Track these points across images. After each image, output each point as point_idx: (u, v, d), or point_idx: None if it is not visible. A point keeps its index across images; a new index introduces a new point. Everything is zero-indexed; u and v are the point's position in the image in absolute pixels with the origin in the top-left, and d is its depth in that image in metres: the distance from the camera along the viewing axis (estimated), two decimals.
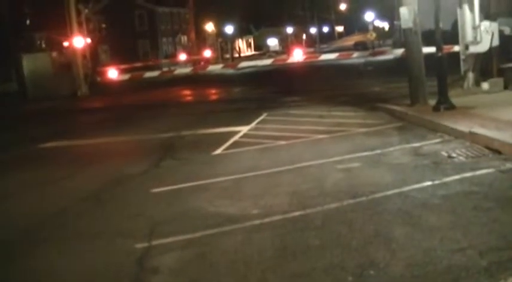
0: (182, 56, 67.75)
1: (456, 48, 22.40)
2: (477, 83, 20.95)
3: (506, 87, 20.41)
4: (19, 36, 56.50)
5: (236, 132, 17.81)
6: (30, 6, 59.50)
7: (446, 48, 19.84)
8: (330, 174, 11.47)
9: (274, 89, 32.08)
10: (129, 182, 12.87)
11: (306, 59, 45.71)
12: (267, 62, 49.84)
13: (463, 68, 21.46)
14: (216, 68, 47.85)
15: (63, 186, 13.22)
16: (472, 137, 13.21)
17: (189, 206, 10.25)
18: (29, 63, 43.80)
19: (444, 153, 12.32)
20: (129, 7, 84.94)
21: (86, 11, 50.60)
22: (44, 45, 59.30)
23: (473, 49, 20.58)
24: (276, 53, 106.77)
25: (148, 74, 40.83)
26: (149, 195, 11.36)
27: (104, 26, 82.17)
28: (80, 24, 46.11)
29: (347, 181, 10.86)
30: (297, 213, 9.10)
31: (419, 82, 18.90)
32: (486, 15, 20.51)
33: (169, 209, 10.22)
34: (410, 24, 18.77)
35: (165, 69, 54.23)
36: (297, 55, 48.68)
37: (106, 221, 10.01)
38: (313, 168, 12.28)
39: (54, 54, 45.56)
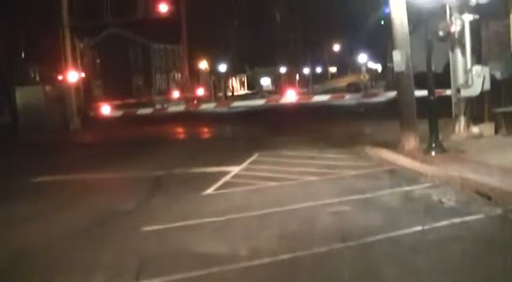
0: (175, 93, 67.89)
1: (448, 91, 22.53)
2: (468, 127, 21.03)
3: (497, 132, 20.52)
4: (13, 68, 56.59)
5: (227, 172, 17.78)
6: (25, 38, 59.63)
7: (438, 91, 19.99)
8: (320, 217, 11.47)
9: (267, 128, 32.13)
10: (119, 219, 12.83)
11: (298, 99, 45.88)
12: (260, 102, 50.08)
13: (454, 112, 21.57)
14: (208, 106, 47.99)
15: (52, 221, 13.13)
16: (463, 182, 13.25)
17: (179, 246, 10.23)
18: (22, 96, 43.79)
19: (434, 198, 12.37)
20: (124, 42, 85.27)
21: (81, 45, 50.81)
22: (37, 78, 59.39)
23: (464, 93, 20.69)
24: (269, 92, 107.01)
25: (141, 111, 40.92)
26: (139, 233, 11.33)
27: (98, 60, 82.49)
28: (74, 58, 46.27)
29: (337, 224, 10.87)
30: (286, 256, 9.09)
31: (410, 125, 18.99)
32: (478, 59, 20.66)
33: (158, 248, 10.19)
34: (402, 68, 18.92)
35: (158, 106, 54.34)
36: (290, 96, 48.92)
37: (95, 257, 9.96)
38: (304, 210, 12.28)
39: (48, 87, 45.53)
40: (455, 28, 20.24)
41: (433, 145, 17.40)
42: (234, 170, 18.26)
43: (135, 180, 18.24)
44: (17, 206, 15.16)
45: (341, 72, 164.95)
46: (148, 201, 14.65)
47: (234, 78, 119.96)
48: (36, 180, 19.18)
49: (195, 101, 46.58)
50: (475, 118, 21.04)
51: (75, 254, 10.26)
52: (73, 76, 44.16)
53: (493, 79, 20.75)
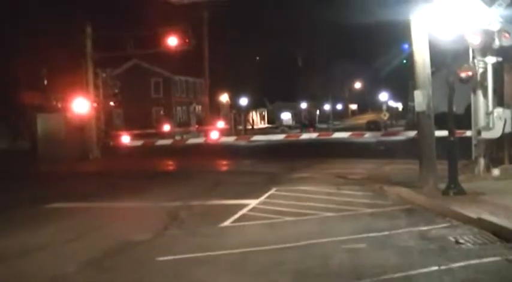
0: (195, 126, 68.18)
1: (468, 133, 22.46)
2: (488, 169, 20.93)
3: None
4: (35, 96, 57.09)
5: (245, 205, 17.76)
6: (48, 65, 60.16)
7: (459, 132, 19.92)
8: (335, 254, 11.41)
9: (285, 163, 32.10)
10: (134, 249, 12.82)
11: (318, 136, 45.88)
12: (280, 137, 50.22)
13: (474, 153, 21.48)
14: (228, 139, 48.05)
15: (66, 249, 13.13)
16: (481, 224, 13.16)
17: (194, 278, 10.22)
18: (43, 122, 44.02)
19: (452, 239, 12.27)
20: (146, 74, 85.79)
21: (104, 75, 51.12)
22: (59, 106, 59.75)
23: (485, 135, 20.61)
24: (289, 127, 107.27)
25: (161, 142, 41.02)
26: (154, 264, 11.31)
27: (119, 90, 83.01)
28: (96, 87, 46.56)
29: (352, 262, 10.81)
30: None
31: (429, 165, 18.95)
32: (499, 101, 20.62)
33: (173, 279, 10.17)
34: (423, 107, 18.93)
35: (177, 137, 54.48)
36: (310, 133, 49.21)
37: None
38: (319, 246, 12.23)
39: (68, 115, 45.81)
40: (477, 70, 20.23)
41: (452, 186, 17.31)
42: (252, 203, 18.24)
43: (151, 210, 18.25)
44: (29, 233, 15.10)
45: (361, 110, 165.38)
46: (164, 231, 14.64)
47: (254, 112, 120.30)
48: (51, 206, 19.24)
49: (217, 135, 46.58)
50: (495, 160, 20.95)
51: None
52: (94, 105, 44.41)
53: None
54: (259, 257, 11.56)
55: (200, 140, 47.17)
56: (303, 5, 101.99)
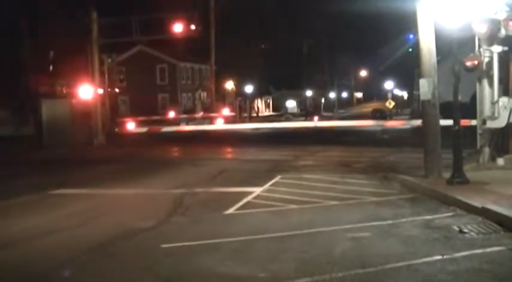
0: (200, 113, 68.26)
1: (473, 122, 22.43)
2: (493, 158, 20.92)
3: None
4: (40, 81, 57.10)
5: (249, 193, 17.80)
6: (53, 52, 60.13)
7: (464, 122, 19.90)
8: (339, 242, 11.43)
9: (290, 151, 32.12)
10: (139, 235, 12.84)
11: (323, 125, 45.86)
12: (285, 124, 50.38)
13: (479, 143, 21.45)
14: (233, 127, 48.05)
15: (70, 235, 13.17)
16: (485, 213, 13.17)
17: (198, 265, 10.23)
18: (48, 108, 44.06)
19: (456, 228, 12.28)
20: (152, 60, 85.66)
21: (109, 60, 51.13)
22: (64, 92, 59.78)
23: (490, 124, 20.59)
24: (294, 115, 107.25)
25: (166, 129, 41.02)
26: (158, 251, 11.34)
27: (125, 77, 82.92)
28: (102, 73, 46.60)
29: (356, 250, 10.83)
30: (303, 280, 9.06)
31: (434, 154, 18.94)
32: (505, 91, 20.59)
33: (177, 266, 10.20)
34: (429, 96, 18.89)
35: (182, 124, 54.50)
36: (315, 120, 49.51)
37: (112, 273, 10.00)
38: (323, 234, 12.25)
39: (74, 101, 45.82)
40: (483, 59, 20.20)
41: (456, 175, 17.30)
42: (256, 191, 18.28)
43: (156, 197, 18.28)
44: (34, 219, 15.19)
45: (367, 98, 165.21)
46: (169, 218, 14.67)
47: (259, 100, 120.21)
48: (55, 192, 19.32)
49: (222, 120, 46.48)
50: (499, 150, 20.94)
51: (91, 271, 10.30)
52: (100, 91, 44.47)
53: None
54: (263, 244, 11.59)
55: (206, 127, 47.20)
56: None
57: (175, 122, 58.07)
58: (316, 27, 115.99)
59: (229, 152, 36.13)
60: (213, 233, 12.67)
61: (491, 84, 20.29)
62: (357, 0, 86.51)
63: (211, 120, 51.26)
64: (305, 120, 77.58)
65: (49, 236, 13.09)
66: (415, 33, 20.12)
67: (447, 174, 17.71)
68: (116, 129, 45.02)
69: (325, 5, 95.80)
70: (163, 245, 11.64)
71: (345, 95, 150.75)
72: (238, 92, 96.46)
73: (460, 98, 18.25)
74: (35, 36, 55.45)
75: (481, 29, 19.18)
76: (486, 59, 20.23)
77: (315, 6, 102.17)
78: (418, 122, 25.84)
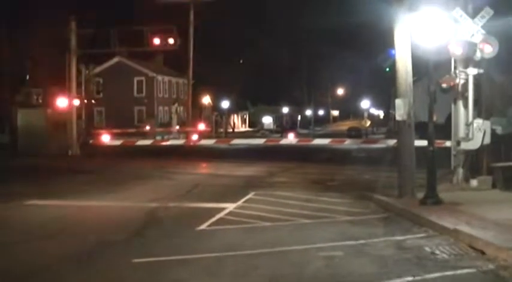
0: (176, 127, 68.02)
1: (448, 143, 22.53)
2: (466, 179, 21.00)
3: (494, 186, 20.48)
4: (17, 90, 56.86)
5: (222, 209, 17.73)
6: (31, 61, 59.93)
7: (438, 142, 19.99)
8: (311, 261, 11.40)
9: (264, 168, 32.12)
10: (110, 248, 12.75)
11: (298, 142, 45.91)
12: (260, 141, 50.36)
13: (453, 164, 21.54)
14: (208, 142, 47.95)
15: (42, 246, 13.05)
16: (457, 235, 13.19)
17: (168, 280, 10.15)
18: (24, 117, 43.93)
19: (427, 249, 12.29)
20: (130, 72, 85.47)
21: (87, 71, 50.87)
22: (40, 101, 59.49)
23: (464, 146, 20.70)
24: (270, 131, 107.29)
25: (141, 142, 40.91)
26: (129, 265, 11.26)
27: (102, 88, 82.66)
28: (79, 84, 46.41)
29: (329, 269, 10.81)
30: None
31: (408, 174, 18.97)
32: (479, 113, 20.72)
33: (147, 281, 10.12)
34: (404, 117, 18.95)
35: (158, 138, 54.30)
36: (290, 138, 49.45)
37: None
38: (295, 253, 12.21)
39: (50, 111, 45.61)
40: (459, 81, 20.34)
41: (430, 195, 17.34)
42: (229, 207, 18.21)
43: (129, 210, 18.17)
44: (2, 229, 15.05)
45: (343, 116, 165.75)
46: (141, 233, 14.58)
47: (236, 115, 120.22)
48: (27, 203, 19.15)
49: (197, 138, 46.30)
50: (473, 171, 21.03)
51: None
52: (76, 102, 44.30)
53: (493, 134, 20.82)
54: (235, 261, 11.53)
55: (181, 141, 47.09)
56: (287, 11, 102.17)
57: (151, 135, 57.85)
58: (296, 44, 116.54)
59: (203, 167, 36.02)
60: (185, 249, 12.59)
61: (466, 106, 20.40)
62: (335, 17, 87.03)
63: (187, 135, 51.05)
64: (281, 136, 77.60)
65: (19, 246, 12.99)
66: (393, 51, 20.15)
67: (421, 194, 17.75)
68: (91, 141, 44.82)
69: (305, 21, 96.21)
70: (135, 260, 11.55)
71: (321, 112, 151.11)
72: (215, 106, 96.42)
73: (435, 118, 18.34)
74: (13, 44, 55.16)
75: (457, 51, 19.31)
76: (462, 81, 20.37)
77: (294, 22, 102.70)
78: (393, 142, 25.96)
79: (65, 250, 12.48)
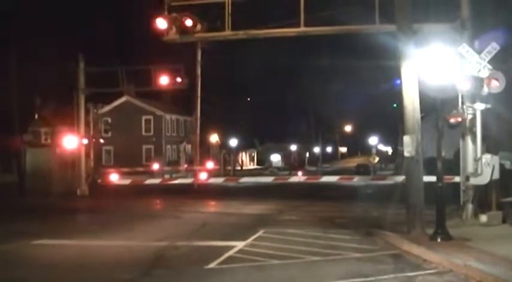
0: (184, 165, 68.15)
1: (457, 178, 22.50)
2: (476, 215, 20.96)
3: (504, 221, 20.42)
4: (25, 129, 57.17)
5: (231, 247, 17.66)
6: (40, 100, 60.47)
7: (447, 178, 19.95)
8: None
9: (273, 205, 32.06)
10: None
11: (307, 179, 45.82)
12: (269, 179, 50.41)
13: (462, 199, 21.50)
14: (217, 180, 47.91)
15: None
16: (467, 271, 13.12)
17: None
18: (32, 157, 43.96)
19: None
20: (138, 111, 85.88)
21: (95, 110, 51.08)
22: (49, 141, 59.80)
23: (473, 181, 20.68)
24: (278, 168, 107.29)
25: (150, 181, 40.88)
26: None
27: (110, 127, 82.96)
28: (87, 123, 46.55)
29: None
30: None
31: (417, 210, 18.92)
32: (488, 148, 20.71)
33: None
34: (412, 153, 18.95)
35: (166, 176, 54.32)
36: (299, 175, 49.75)
37: None
38: None
39: (58, 150, 45.73)
40: (466, 116, 20.38)
41: (439, 231, 17.29)
42: (239, 245, 18.14)
43: (137, 249, 18.11)
44: (11, 270, 14.99)
45: (351, 153, 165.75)
46: (149, 272, 14.52)
47: (244, 153, 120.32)
48: (36, 242, 19.10)
49: (206, 176, 46.17)
50: (482, 206, 20.97)
51: None
52: (84, 141, 44.41)
53: (502, 168, 20.79)
54: None
55: (189, 180, 47.07)
56: (293, 49, 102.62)
57: (160, 174, 57.89)
58: (302, 81, 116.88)
59: (212, 205, 35.96)
60: None
61: (474, 141, 20.42)
62: (342, 54, 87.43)
63: (195, 173, 51.03)
64: (289, 174, 77.50)
65: None
66: (400, 84, 20.14)
67: (430, 230, 17.69)
68: (99, 180, 44.82)
69: (311, 59, 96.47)
70: None
71: (329, 149, 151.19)
72: (223, 144, 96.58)
73: (443, 154, 18.34)
74: (22, 83, 55.59)
75: (464, 86, 19.39)
76: (469, 116, 20.41)
77: (300, 61, 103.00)
78: (401, 178, 25.91)
79: None
